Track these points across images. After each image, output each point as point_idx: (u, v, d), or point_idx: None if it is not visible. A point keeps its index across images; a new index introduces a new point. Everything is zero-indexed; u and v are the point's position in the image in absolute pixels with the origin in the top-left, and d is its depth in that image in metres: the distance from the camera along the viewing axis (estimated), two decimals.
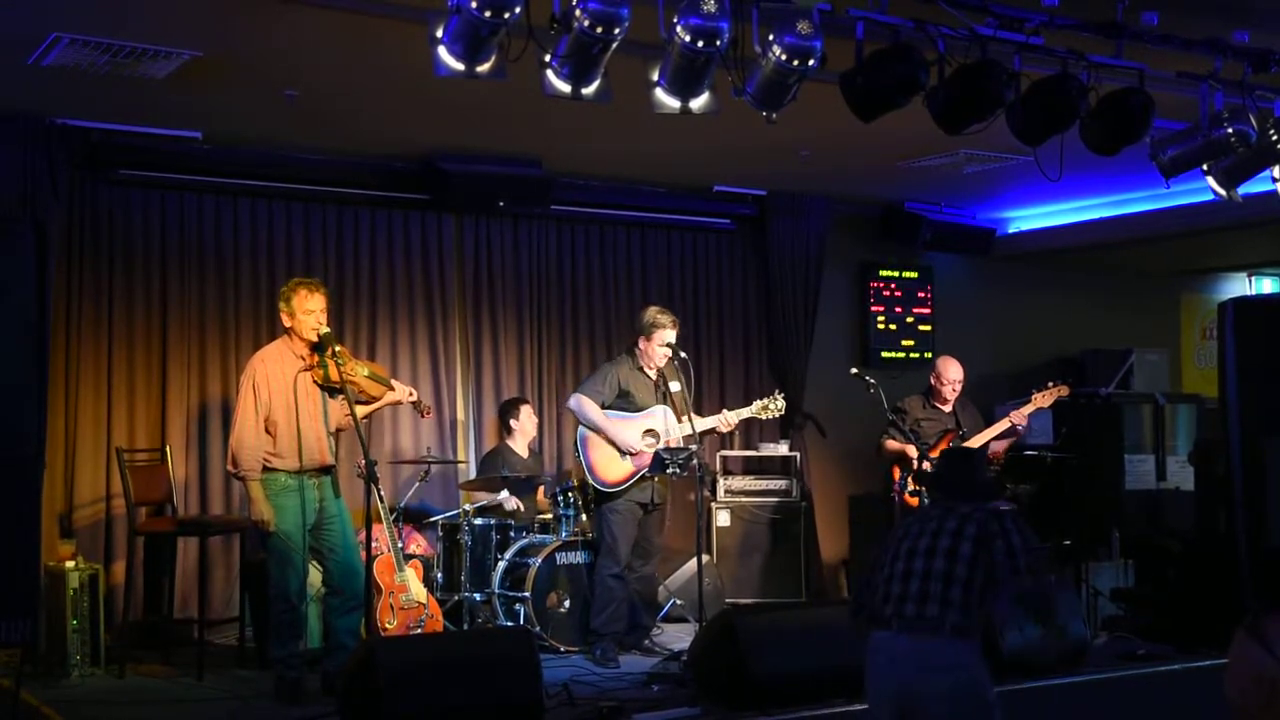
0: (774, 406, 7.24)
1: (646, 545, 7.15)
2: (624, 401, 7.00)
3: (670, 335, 6.97)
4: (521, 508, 7.76)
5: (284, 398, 6.15)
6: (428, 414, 7.01)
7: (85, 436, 7.37)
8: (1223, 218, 8.45)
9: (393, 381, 6.59)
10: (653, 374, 7.06)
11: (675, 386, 7.08)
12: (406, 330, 8.31)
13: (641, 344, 7.05)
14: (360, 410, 6.39)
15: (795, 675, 5.61)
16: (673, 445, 6.93)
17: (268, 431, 6.12)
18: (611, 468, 6.95)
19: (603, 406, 6.98)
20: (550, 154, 8.06)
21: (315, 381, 6.22)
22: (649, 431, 6.98)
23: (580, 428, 7.03)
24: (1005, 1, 5.29)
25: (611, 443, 6.93)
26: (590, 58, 4.82)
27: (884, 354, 9.97)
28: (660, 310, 7.14)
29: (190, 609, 7.33)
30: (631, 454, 6.91)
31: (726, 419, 7.13)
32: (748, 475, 8.85)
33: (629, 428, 6.96)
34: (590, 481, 7.02)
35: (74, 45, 5.71)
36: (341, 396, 6.14)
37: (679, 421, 6.98)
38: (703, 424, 7.03)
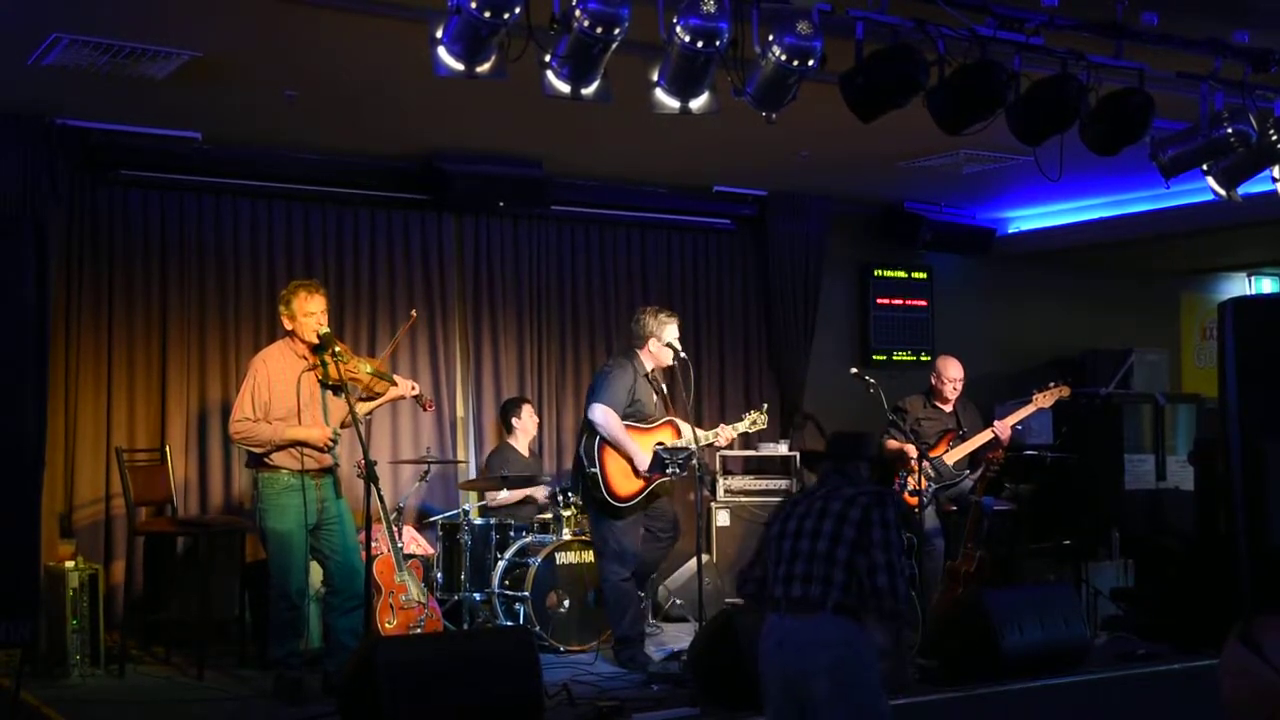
0: (760, 420, 7.30)
1: (665, 525, 7.07)
2: (635, 411, 6.87)
3: (676, 331, 6.90)
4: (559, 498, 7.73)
5: (287, 399, 6.15)
6: (429, 407, 7.02)
7: (85, 436, 7.37)
8: (1223, 218, 8.46)
9: (394, 376, 6.59)
10: (653, 379, 6.98)
11: (664, 389, 7.09)
12: (407, 330, 8.31)
13: (650, 348, 6.88)
14: (365, 406, 6.41)
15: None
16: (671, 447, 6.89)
17: None
18: (625, 483, 6.79)
19: (621, 418, 6.83)
20: (550, 154, 8.06)
21: (318, 380, 6.23)
22: (660, 445, 6.88)
23: (598, 436, 6.81)
24: (1005, 1, 5.28)
25: (629, 460, 6.78)
26: (590, 58, 4.82)
27: (884, 354, 9.97)
28: (659, 310, 7.03)
29: (190, 609, 7.33)
30: (648, 478, 6.81)
31: (726, 432, 7.15)
32: (748, 475, 8.85)
33: (644, 444, 6.84)
34: (602, 493, 6.79)
35: (74, 45, 5.71)
36: (344, 394, 6.15)
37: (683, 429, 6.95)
38: (705, 437, 6.98)
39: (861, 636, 4.12)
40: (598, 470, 6.77)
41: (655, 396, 6.99)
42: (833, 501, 4.25)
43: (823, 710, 4.07)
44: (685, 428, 6.93)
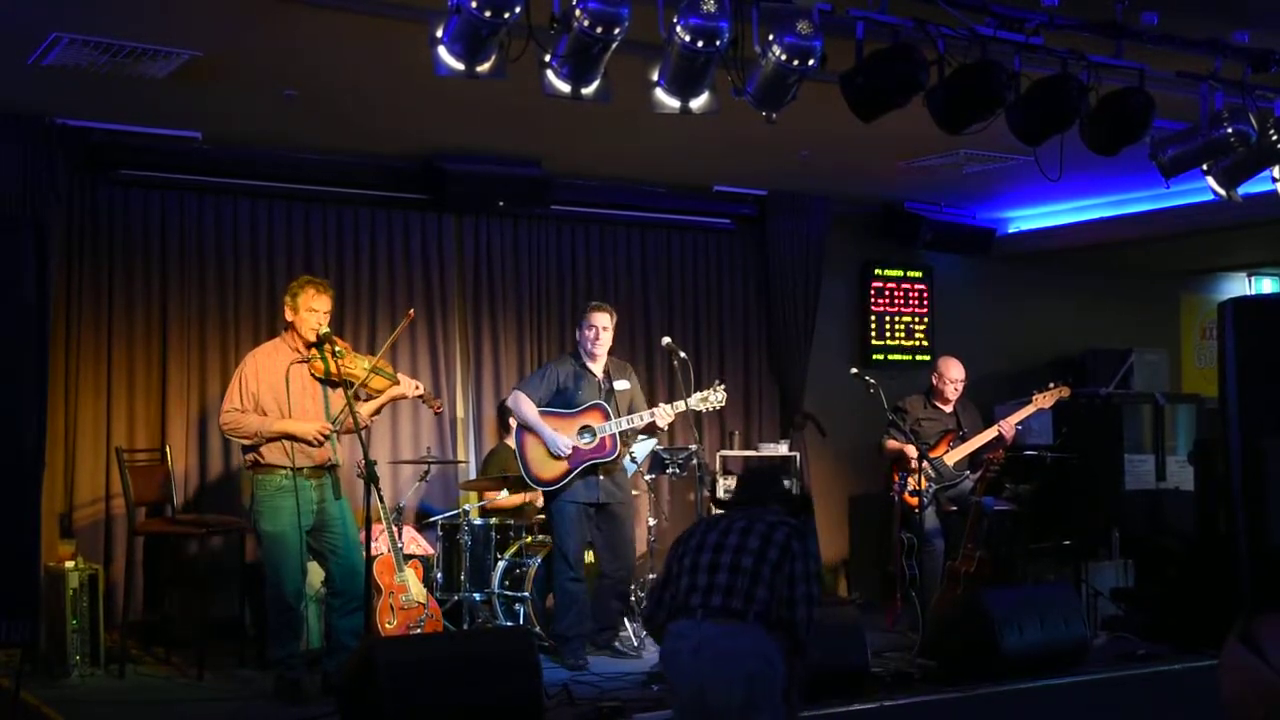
0: (714, 398, 7.13)
1: (612, 546, 7.06)
2: (562, 399, 6.99)
3: (600, 318, 7.02)
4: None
5: (274, 391, 6.16)
6: (439, 409, 6.99)
7: (85, 436, 7.37)
8: (1223, 218, 8.46)
9: (400, 376, 6.53)
10: (597, 371, 7.07)
11: (623, 386, 7.10)
12: (406, 330, 8.30)
13: (578, 336, 7.12)
14: (368, 407, 6.38)
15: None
16: (610, 441, 6.92)
17: None
18: (545, 465, 6.92)
19: (540, 403, 6.96)
20: (550, 154, 8.06)
21: (313, 374, 6.22)
22: (585, 428, 6.95)
23: (517, 424, 7.04)
24: (1005, 1, 5.29)
25: (544, 442, 6.91)
26: (590, 58, 4.82)
27: (884, 354, 9.97)
28: (592, 301, 7.34)
29: (190, 609, 7.33)
30: (562, 456, 6.88)
31: (665, 411, 7.01)
32: None
33: (563, 425, 6.93)
34: (526, 479, 7.00)
35: (74, 45, 5.71)
36: (341, 390, 6.13)
37: (617, 418, 6.97)
38: (639, 418, 6.99)
39: (776, 650, 4.16)
40: (518, 455, 6.97)
41: (601, 389, 7.03)
42: (757, 522, 4.31)
43: (733, 718, 4.09)
44: (611, 412, 6.95)
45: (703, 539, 4.34)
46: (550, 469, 6.92)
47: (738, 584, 4.16)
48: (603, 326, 7.02)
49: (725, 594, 4.16)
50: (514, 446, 7.04)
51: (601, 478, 6.98)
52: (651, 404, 7.22)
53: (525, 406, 6.96)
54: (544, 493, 7.04)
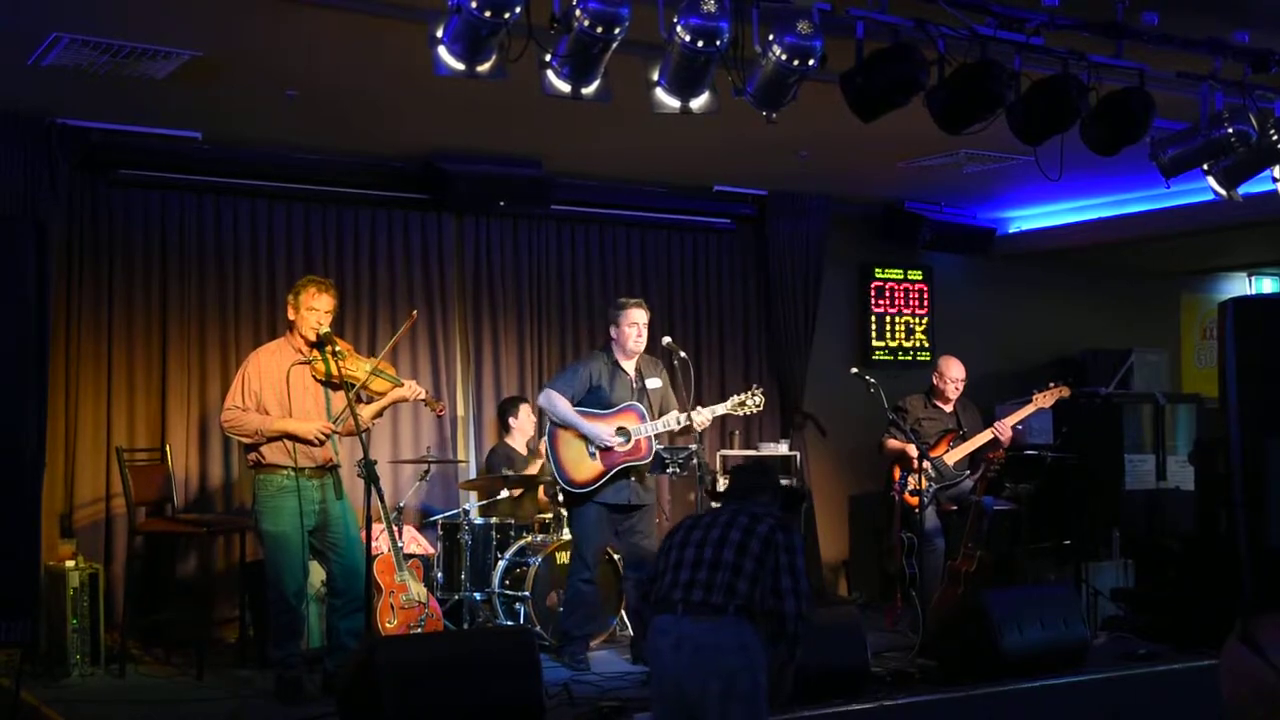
0: (751, 403, 6.96)
1: (637, 551, 6.81)
2: (595, 398, 6.78)
3: (639, 315, 6.82)
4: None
5: (275, 391, 6.16)
6: (441, 411, 6.93)
7: (85, 436, 7.37)
8: (1223, 218, 8.46)
9: (403, 380, 6.50)
10: (629, 370, 6.87)
11: (654, 384, 6.91)
12: (407, 329, 8.30)
13: (613, 334, 6.88)
14: (369, 409, 6.37)
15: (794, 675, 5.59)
16: (645, 444, 6.72)
17: None
18: (580, 467, 6.70)
19: (573, 401, 6.74)
20: (550, 154, 8.06)
21: (314, 377, 6.22)
22: (621, 429, 6.74)
23: (550, 424, 6.82)
24: (1005, 1, 5.29)
25: (583, 437, 6.68)
26: (590, 57, 4.82)
27: (884, 354, 9.97)
28: (621, 298, 7.07)
29: (190, 609, 7.33)
30: (602, 450, 6.66)
31: (703, 415, 6.78)
32: None
33: (600, 425, 6.72)
34: (559, 481, 6.81)
35: (74, 45, 5.71)
36: (342, 391, 6.13)
37: (654, 419, 6.76)
38: (674, 421, 6.78)
39: (757, 644, 4.19)
40: (551, 456, 6.78)
41: (634, 388, 6.84)
42: (740, 516, 4.36)
43: (712, 713, 4.13)
44: (646, 413, 6.75)
45: (688, 535, 4.39)
46: (585, 470, 6.69)
47: (718, 579, 4.20)
48: (644, 323, 6.82)
49: (705, 589, 4.20)
50: (545, 449, 6.85)
51: (632, 480, 6.77)
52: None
53: (560, 403, 6.72)
54: (571, 494, 6.82)
